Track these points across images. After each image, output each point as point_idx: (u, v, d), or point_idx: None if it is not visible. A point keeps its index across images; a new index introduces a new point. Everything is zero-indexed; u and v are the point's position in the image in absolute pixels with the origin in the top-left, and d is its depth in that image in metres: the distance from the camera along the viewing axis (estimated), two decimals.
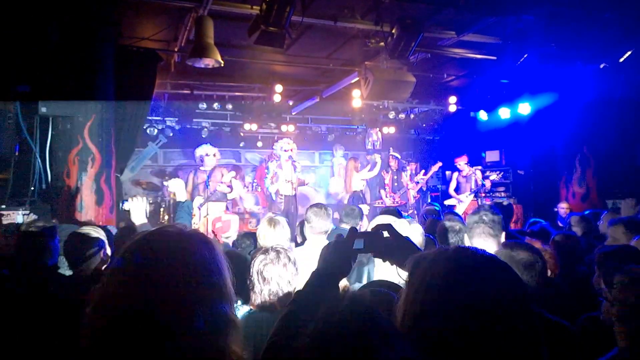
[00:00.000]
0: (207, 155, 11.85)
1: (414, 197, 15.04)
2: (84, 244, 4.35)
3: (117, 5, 8.21)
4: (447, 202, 13.99)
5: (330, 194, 17.27)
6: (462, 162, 13.80)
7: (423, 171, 15.61)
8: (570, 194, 11.29)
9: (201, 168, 11.88)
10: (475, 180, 13.72)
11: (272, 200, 13.62)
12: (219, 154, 12.29)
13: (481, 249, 1.57)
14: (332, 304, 1.33)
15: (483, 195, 14.18)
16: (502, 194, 14.35)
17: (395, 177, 15.08)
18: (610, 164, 10.76)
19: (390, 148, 16.13)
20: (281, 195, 12.86)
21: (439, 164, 14.67)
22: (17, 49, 7.41)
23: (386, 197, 15.13)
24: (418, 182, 15.14)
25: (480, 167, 14.42)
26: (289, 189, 12.44)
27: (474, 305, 1.37)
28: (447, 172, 15.01)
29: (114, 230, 5.99)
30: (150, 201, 13.57)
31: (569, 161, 11.49)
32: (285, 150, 12.68)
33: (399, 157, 15.61)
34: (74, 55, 7.65)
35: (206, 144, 12.33)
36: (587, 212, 7.65)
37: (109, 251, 4.51)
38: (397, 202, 14.62)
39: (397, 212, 6.58)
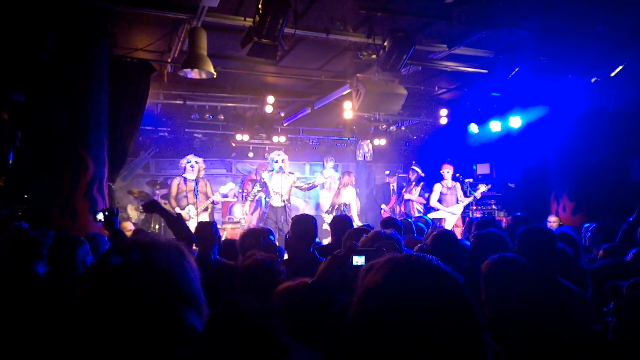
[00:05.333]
0: (195, 164, 11.94)
1: (419, 210, 14.99)
2: (69, 250, 4.40)
3: (111, 15, 8.25)
4: (432, 216, 13.19)
5: (320, 205, 17.31)
6: (446, 171, 13.68)
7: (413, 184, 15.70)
8: (561, 207, 11.31)
9: (187, 176, 11.93)
10: (463, 192, 13.68)
11: (262, 210, 13.60)
12: (204, 165, 12.41)
13: (431, 257, 1.52)
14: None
15: (474, 208, 14.18)
16: (493, 207, 14.34)
17: (408, 188, 15.29)
18: (602, 177, 10.78)
19: (413, 162, 16.14)
20: (271, 206, 12.82)
21: (436, 184, 14.64)
22: (12, 58, 7.44)
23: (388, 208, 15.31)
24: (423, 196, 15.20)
25: (470, 180, 14.42)
26: (277, 200, 12.41)
27: (403, 307, 1.35)
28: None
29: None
30: (142, 210, 13.59)
31: (560, 174, 11.55)
32: (276, 162, 12.67)
33: (419, 170, 15.66)
34: (68, 65, 7.68)
35: (191, 154, 12.40)
36: (585, 226, 7.66)
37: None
38: (400, 212, 14.86)
39: (395, 222, 6.65)
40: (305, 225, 5.56)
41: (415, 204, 15.02)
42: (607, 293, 3.02)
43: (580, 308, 3.59)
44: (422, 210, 14.80)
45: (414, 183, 15.33)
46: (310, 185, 13.14)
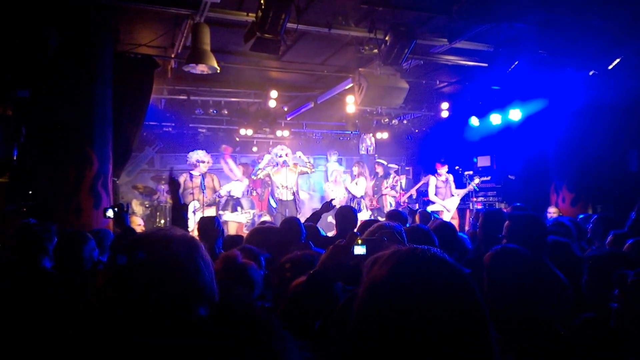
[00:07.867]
0: (202, 162, 11.95)
1: (391, 204, 15.16)
2: (76, 245, 4.46)
3: (115, 12, 8.29)
4: (430, 209, 13.09)
5: (326, 198, 17.36)
6: (442, 171, 13.90)
7: (397, 176, 15.79)
8: (560, 198, 11.38)
9: (193, 173, 11.95)
10: (462, 183, 13.81)
11: (271, 207, 13.63)
12: (211, 161, 12.41)
13: (436, 249, 1.52)
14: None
15: (475, 199, 14.25)
16: (493, 198, 14.40)
17: (378, 182, 15.45)
18: (601, 168, 10.85)
19: (375, 155, 16.30)
20: (280, 200, 12.81)
21: (430, 177, 14.67)
22: (16, 55, 7.49)
23: (369, 201, 15.39)
24: (399, 190, 15.29)
25: (470, 172, 14.47)
26: (286, 194, 12.45)
27: (410, 301, 1.37)
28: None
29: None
30: (147, 205, 13.68)
31: (560, 166, 11.61)
32: (280, 156, 12.69)
33: (385, 163, 15.87)
34: (72, 61, 7.71)
35: (201, 149, 12.41)
36: (580, 217, 7.71)
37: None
38: (373, 206, 14.93)
39: (400, 214, 6.72)
40: (291, 225, 5.67)
41: (387, 197, 15.20)
42: (614, 281, 3.07)
43: (562, 293, 3.64)
44: (393, 204, 15.00)
45: (394, 175, 15.52)
46: (309, 162, 13.08)
